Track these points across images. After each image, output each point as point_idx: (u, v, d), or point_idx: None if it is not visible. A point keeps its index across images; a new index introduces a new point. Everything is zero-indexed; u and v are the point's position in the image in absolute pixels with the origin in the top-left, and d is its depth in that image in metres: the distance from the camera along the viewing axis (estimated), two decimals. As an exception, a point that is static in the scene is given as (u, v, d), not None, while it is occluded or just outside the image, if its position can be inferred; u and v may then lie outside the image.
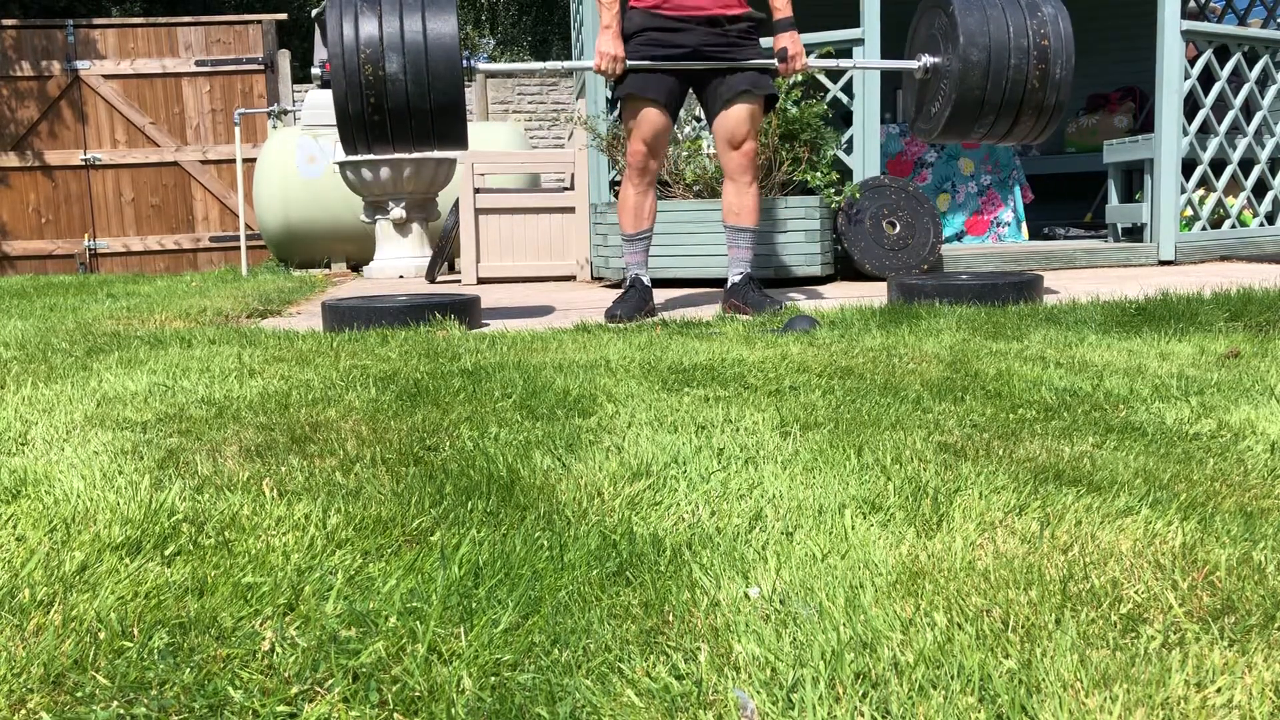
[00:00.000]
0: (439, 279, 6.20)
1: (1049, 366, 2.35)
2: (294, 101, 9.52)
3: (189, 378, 2.40)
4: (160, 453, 1.69)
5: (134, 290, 5.76)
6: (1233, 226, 5.84)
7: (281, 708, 0.87)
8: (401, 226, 6.80)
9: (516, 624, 1.01)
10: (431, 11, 3.28)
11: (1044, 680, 0.87)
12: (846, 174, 5.28)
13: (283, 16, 9.81)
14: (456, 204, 6.01)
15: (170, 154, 9.52)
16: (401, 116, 3.28)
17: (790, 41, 3.63)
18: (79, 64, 9.32)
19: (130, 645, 0.97)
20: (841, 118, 5.54)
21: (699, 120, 5.21)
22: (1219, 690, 0.85)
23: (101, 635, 0.99)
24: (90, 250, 9.47)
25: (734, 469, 1.52)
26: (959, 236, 6.43)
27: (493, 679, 0.91)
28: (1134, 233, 6.00)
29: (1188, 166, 5.64)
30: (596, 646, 0.96)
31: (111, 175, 9.49)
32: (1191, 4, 7.17)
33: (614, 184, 5.67)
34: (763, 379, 2.24)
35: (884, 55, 5.19)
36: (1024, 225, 6.52)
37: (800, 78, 5.17)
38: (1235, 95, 5.69)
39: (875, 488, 1.40)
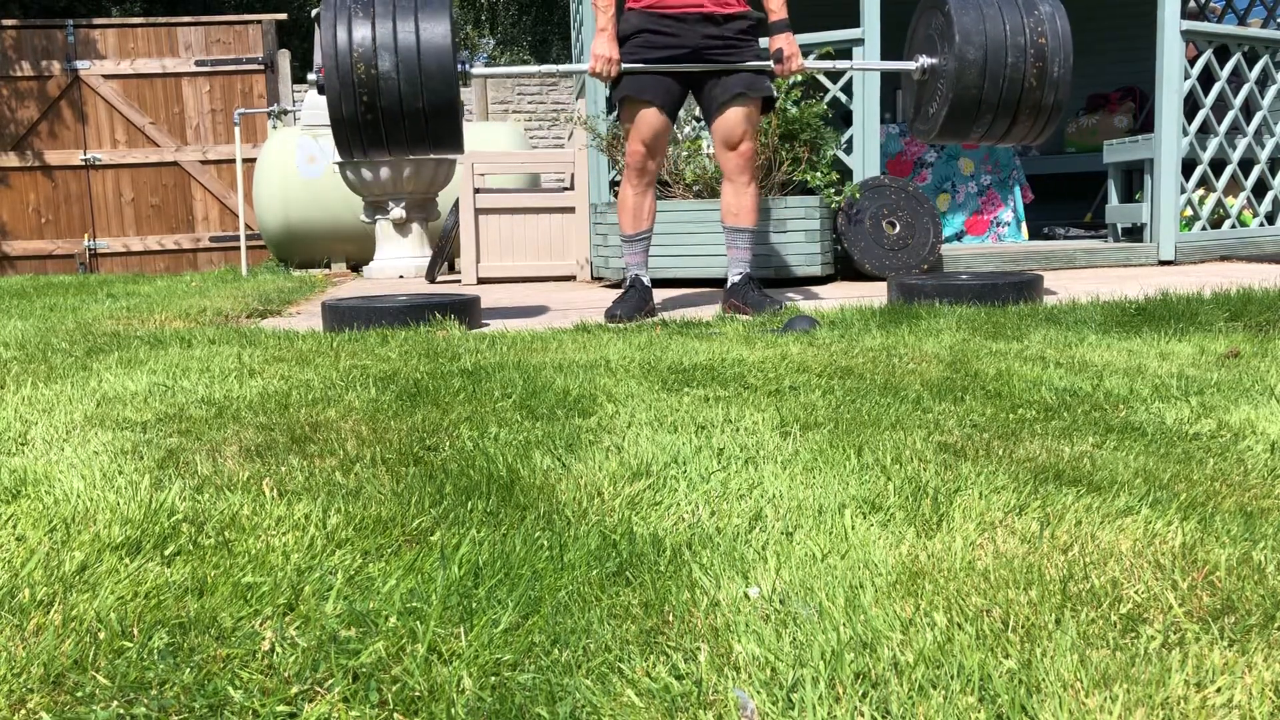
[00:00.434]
0: (439, 279, 6.20)
1: (1049, 366, 2.35)
2: (294, 101, 9.52)
3: (189, 378, 2.40)
4: (160, 453, 1.69)
5: (134, 290, 5.76)
6: (1233, 226, 5.84)
7: (281, 708, 0.87)
8: (401, 226, 6.80)
9: (516, 624, 1.01)
10: (424, 14, 3.29)
11: (1044, 680, 0.87)
12: (846, 174, 5.28)
13: (283, 16, 9.81)
14: (456, 204, 6.01)
15: (170, 154, 9.52)
16: (395, 117, 3.27)
17: (785, 43, 3.63)
18: (79, 64, 9.32)
19: (130, 645, 0.97)
20: (841, 118, 5.54)
21: (699, 120, 5.21)
22: (1219, 690, 0.85)
23: (101, 635, 0.99)
24: (90, 250, 9.47)
25: (734, 469, 1.52)
26: (959, 236, 6.43)
27: (493, 679, 0.91)
28: (1134, 233, 6.00)
29: (1188, 166, 5.64)
30: (596, 646, 0.96)
31: (111, 175, 9.49)
32: (1191, 4, 7.18)
33: (614, 184, 5.67)
34: (763, 379, 2.24)
35: (884, 56, 5.19)
36: (1024, 225, 6.52)
37: (799, 78, 5.17)
38: (1235, 95, 5.69)
39: (875, 488, 1.40)
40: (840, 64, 4.09)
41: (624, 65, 3.61)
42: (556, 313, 4.08)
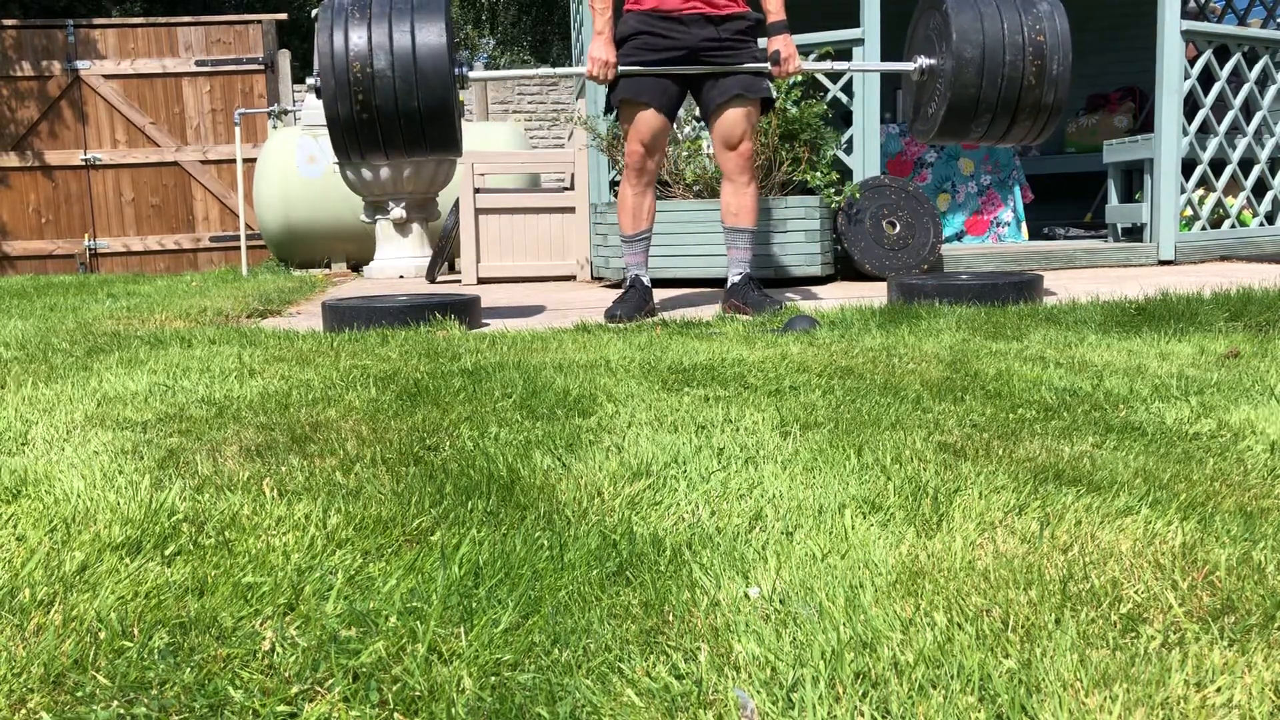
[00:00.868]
0: (439, 279, 6.20)
1: (1049, 366, 2.35)
2: (294, 101, 9.51)
3: (189, 378, 2.40)
4: (160, 453, 1.69)
5: (134, 290, 5.76)
6: (1232, 226, 5.84)
7: (281, 708, 0.87)
8: (401, 226, 6.80)
9: (516, 624, 1.01)
10: (421, 16, 3.30)
11: (1044, 680, 0.87)
12: (846, 174, 5.28)
13: (283, 16, 9.81)
14: (456, 204, 6.01)
15: (170, 154, 9.52)
16: (390, 117, 3.28)
17: (783, 44, 3.63)
18: (79, 64, 9.32)
19: (130, 645, 0.97)
20: (841, 118, 5.55)
21: (699, 120, 5.21)
22: (1219, 690, 0.85)
23: (101, 635, 0.99)
24: (90, 250, 9.47)
25: (734, 469, 1.52)
26: (959, 236, 6.43)
27: (493, 679, 0.91)
28: (1134, 233, 6.00)
29: (1188, 166, 5.64)
30: (596, 646, 0.96)
31: (111, 175, 9.49)
32: (1191, 4, 7.17)
33: (614, 184, 5.67)
34: (763, 379, 2.24)
35: (884, 55, 5.19)
36: (1024, 225, 6.52)
37: (799, 78, 5.17)
38: (1235, 95, 5.69)
39: (875, 487, 1.40)
40: (838, 65, 4.09)
41: (621, 68, 3.62)
42: (556, 313, 4.08)
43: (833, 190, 4.92)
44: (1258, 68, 5.75)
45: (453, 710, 0.86)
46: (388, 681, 0.90)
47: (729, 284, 3.85)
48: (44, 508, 1.38)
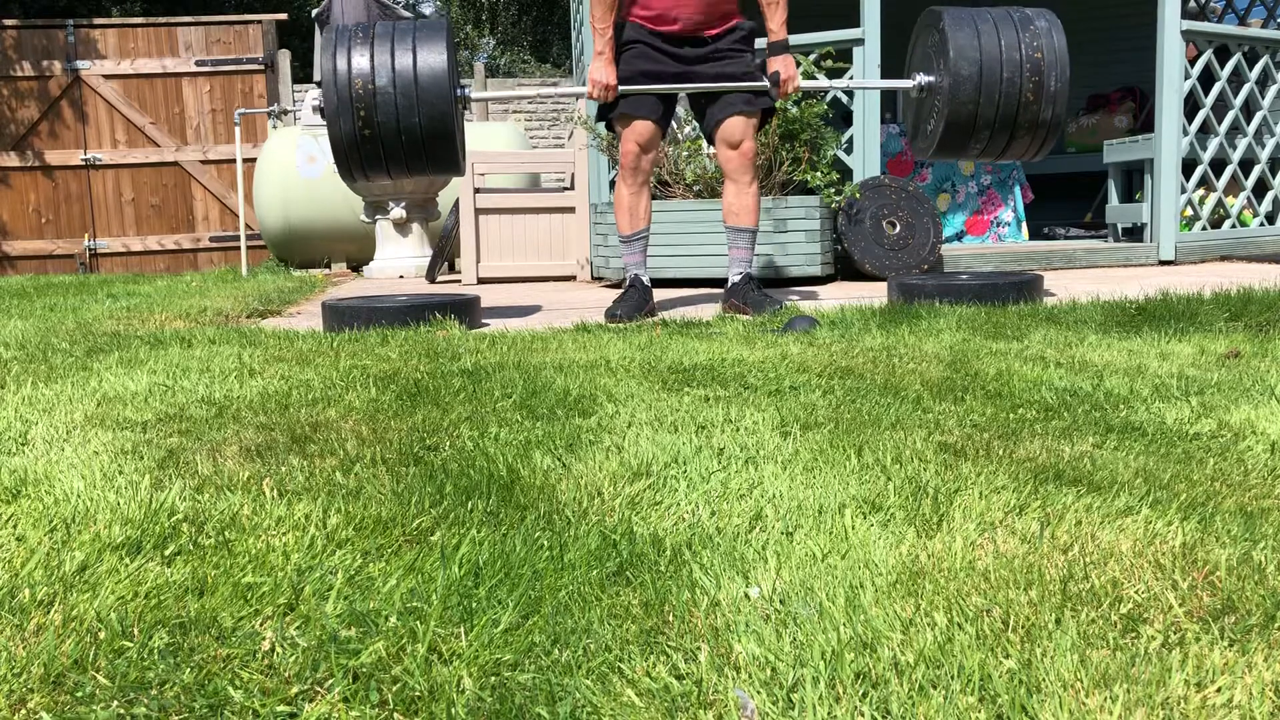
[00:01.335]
0: (439, 279, 6.20)
1: (1049, 366, 2.35)
2: (294, 101, 9.52)
3: (189, 378, 2.40)
4: (160, 453, 1.69)
5: (134, 290, 5.76)
6: (1233, 226, 5.84)
7: (281, 708, 0.87)
8: (401, 226, 6.80)
9: (516, 624, 1.01)
10: (422, 38, 3.36)
11: (1044, 680, 0.87)
12: (846, 174, 5.28)
13: (283, 16, 9.82)
14: (456, 204, 6.01)
15: (170, 154, 9.52)
16: (392, 135, 3.33)
17: (783, 65, 3.64)
18: (79, 64, 9.32)
19: (130, 645, 0.97)
20: (841, 118, 5.55)
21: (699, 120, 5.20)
22: (1219, 690, 0.85)
23: (101, 635, 0.99)
24: (90, 250, 9.47)
25: (734, 469, 1.52)
26: (959, 236, 6.43)
27: (493, 679, 0.91)
28: (1134, 233, 6.00)
29: (1188, 166, 5.64)
30: (596, 646, 0.96)
31: (111, 175, 9.49)
32: (1191, 4, 7.18)
33: (614, 184, 5.67)
34: (763, 379, 2.24)
35: (884, 55, 5.19)
36: (1024, 225, 6.52)
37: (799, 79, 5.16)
38: (1235, 95, 5.69)
39: (875, 488, 1.40)
40: (837, 84, 4.12)
41: (621, 89, 3.63)
42: (556, 313, 4.08)
43: (833, 190, 4.92)
44: (1258, 68, 5.75)
45: (453, 710, 0.86)
46: (388, 681, 0.90)
47: (729, 284, 3.85)
48: (44, 508, 1.38)
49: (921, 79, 3.67)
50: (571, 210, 5.97)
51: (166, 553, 1.22)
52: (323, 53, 3.36)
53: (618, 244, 4.83)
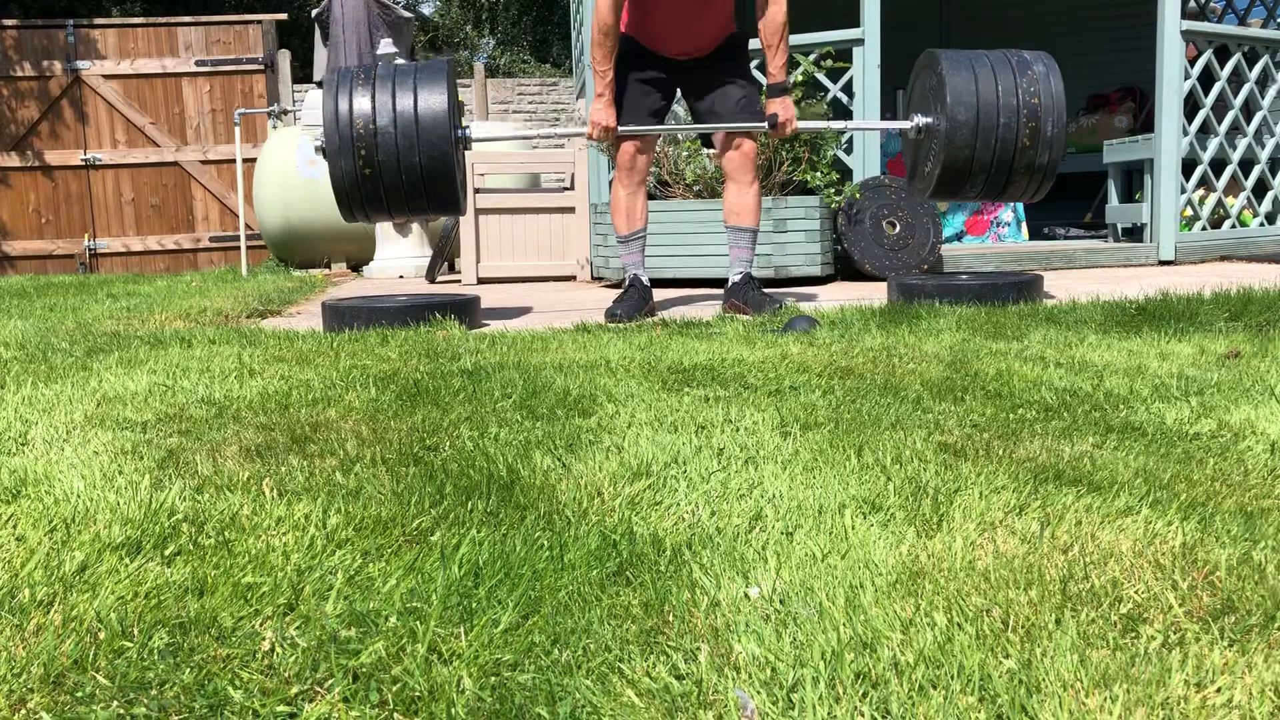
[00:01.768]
0: (439, 279, 6.20)
1: (1049, 366, 2.35)
2: (294, 101, 9.51)
3: (189, 378, 2.40)
4: (160, 453, 1.69)
5: (134, 290, 5.76)
6: (1233, 226, 5.84)
7: (281, 708, 0.87)
8: (401, 226, 6.80)
9: (516, 624, 1.01)
10: (423, 80, 3.42)
11: (1044, 680, 0.87)
12: (846, 174, 5.28)
13: (283, 16, 9.81)
14: (456, 204, 6.01)
15: (170, 154, 9.52)
16: (393, 174, 3.38)
17: (782, 108, 3.67)
18: (79, 64, 9.32)
19: (130, 645, 0.97)
20: (842, 118, 5.54)
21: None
22: (1219, 690, 0.85)
23: (101, 635, 0.99)
24: (90, 250, 9.46)
25: (734, 469, 1.52)
26: (959, 236, 6.42)
27: (493, 679, 0.91)
28: (1134, 233, 6.00)
29: (1188, 166, 5.64)
30: (596, 646, 0.96)
31: (111, 175, 9.49)
32: (1191, 4, 7.17)
33: (612, 184, 5.67)
34: (763, 379, 2.24)
35: (884, 56, 5.20)
36: (1024, 225, 6.52)
37: (800, 78, 5.17)
38: (1235, 95, 5.69)
39: (875, 488, 1.40)
40: (835, 124, 4.14)
41: (620, 129, 3.67)
42: (556, 313, 4.08)
43: (833, 190, 4.92)
44: (1258, 68, 5.75)
45: (453, 710, 0.86)
46: (388, 682, 0.90)
47: (729, 284, 3.85)
48: (44, 508, 1.38)
49: (919, 120, 3.70)
50: (571, 210, 5.97)
51: (166, 553, 1.22)
52: (325, 94, 3.42)
53: (617, 244, 4.84)
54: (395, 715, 0.86)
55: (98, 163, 9.44)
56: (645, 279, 3.88)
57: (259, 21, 9.63)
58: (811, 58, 5.22)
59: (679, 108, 4.48)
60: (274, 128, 8.42)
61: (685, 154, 5.29)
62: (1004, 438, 1.68)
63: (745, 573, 1.13)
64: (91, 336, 3.29)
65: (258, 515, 1.34)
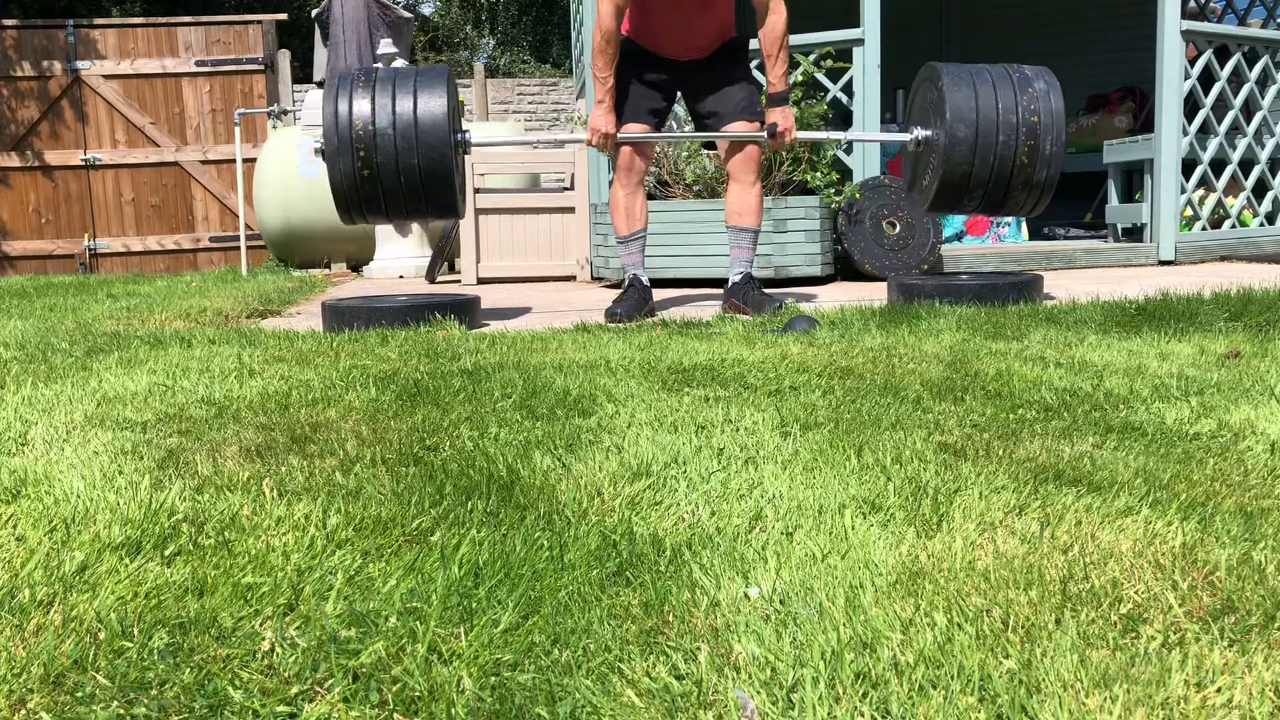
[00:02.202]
0: (439, 279, 6.20)
1: (1049, 366, 2.35)
2: (294, 101, 9.51)
3: (189, 378, 2.40)
4: (160, 453, 1.69)
5: (134, 290, 5.76)
6: (1233, 226, 5.84)
7: (281, 708, 0.87)
8: (401, 226, 6.80)
9: (516, 624, 1.01)
10: (423, 84, 3.43)
11: (1044, 680, 0.87)
12: (846, 174, 5.28)
13: (283, 16, 9.81)
14: (456, 204, 6.01)
15: (170, 154, 9.52)
16: (391, 176, 3.39)
17: (781, 117, 3.68)
18: (79, 64, 9.32)
19: (130, 645, 0.97)
20: (842, 118, 5.55)
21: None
22: (1219, 690, 0.85)
23: (101, 635, 0.99)
24: (90, 250, 9.47)
25: (734, 469, 1.52)
26: (959, 236, 6.42)
27: (493, 679, 0.91)
28: (1134, 233, 6.00)
29: (1188, 166, 5.64)
30: (596, 646, 0.96)
31: (111, 175, 9.49)
32: (1191, 4, 7.17)
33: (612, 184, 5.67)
34: (763, 379, 2.24)
35: (884, 56, 5.20)
36: (1024, 225, 6.51)
37: (800, 78, 5.17)
38: (1235, 95, 5.69)
39: (875, 488, 1.40)
40: (834, 135, 4.14)
41: (620, 136, 3.68)
42: (556, 313, 4.08)
43: (833, 190, 4.92)
44: (1258, 68, 5.75)
45: (453, 710, 0.86)
46: (388, 682, 0.90)
47: (730, 283, 3.85)
48: (44, 508, 1.38)
49: (919, 133, 3.70)
50: (571, 210, 5.97)
51: (166, 553, 1.22)
52: (324, 97, 3.43)
53: (616, 244, 4.84)
54: (395, 715, 0.86)
55: (98, 163, 9.44)
56: (645, 279, 3.88)
57: (259, 22, 9.64)
58: (811, 58, 5.22)
59: (679, 108, 4.48)
60: (274, 128, 8.42)
61: (685, 154, 5.29)
62: (1004, 438, 1.68)
63: (745, 573, 1.13)
64: (91, 336, 3.29)
65: (258, 515, 1.34)
